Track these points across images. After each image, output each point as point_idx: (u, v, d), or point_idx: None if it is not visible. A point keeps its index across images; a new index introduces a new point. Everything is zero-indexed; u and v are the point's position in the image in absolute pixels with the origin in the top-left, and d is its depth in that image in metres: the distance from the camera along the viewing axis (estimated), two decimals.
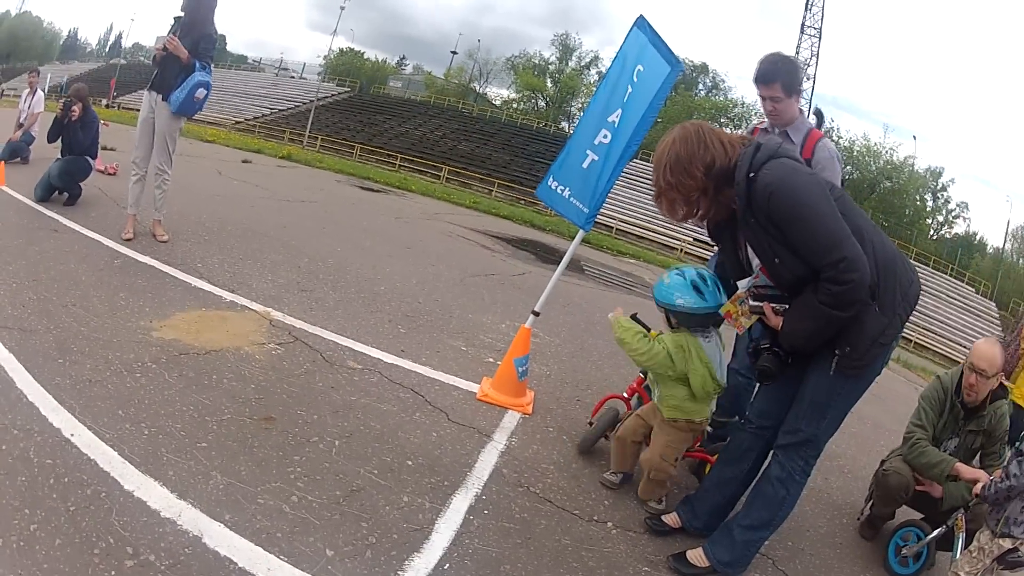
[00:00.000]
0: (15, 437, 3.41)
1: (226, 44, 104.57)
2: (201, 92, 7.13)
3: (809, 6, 67.63)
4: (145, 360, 4.55)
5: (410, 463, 4.07)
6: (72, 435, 3.52)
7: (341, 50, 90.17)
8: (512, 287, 9.42)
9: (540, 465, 4.47)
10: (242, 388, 4.43)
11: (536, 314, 5.38)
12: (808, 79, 66.62)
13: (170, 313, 5.50)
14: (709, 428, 4.48)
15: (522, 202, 37.40)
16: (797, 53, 67.18)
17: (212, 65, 7.39)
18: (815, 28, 67.57)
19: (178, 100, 7.07)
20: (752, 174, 3.07)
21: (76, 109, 9.22)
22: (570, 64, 76.85)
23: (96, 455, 3.39)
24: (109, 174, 11.98)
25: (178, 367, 4.54)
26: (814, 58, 67.73)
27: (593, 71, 75.10)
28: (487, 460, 4.36)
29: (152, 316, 5.36)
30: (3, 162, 11.11)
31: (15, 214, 8.17)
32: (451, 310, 7.31)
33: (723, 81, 76.21)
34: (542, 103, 76.11)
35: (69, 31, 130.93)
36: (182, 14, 7.20)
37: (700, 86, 75.82)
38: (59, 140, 9.40)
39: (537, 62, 77.51)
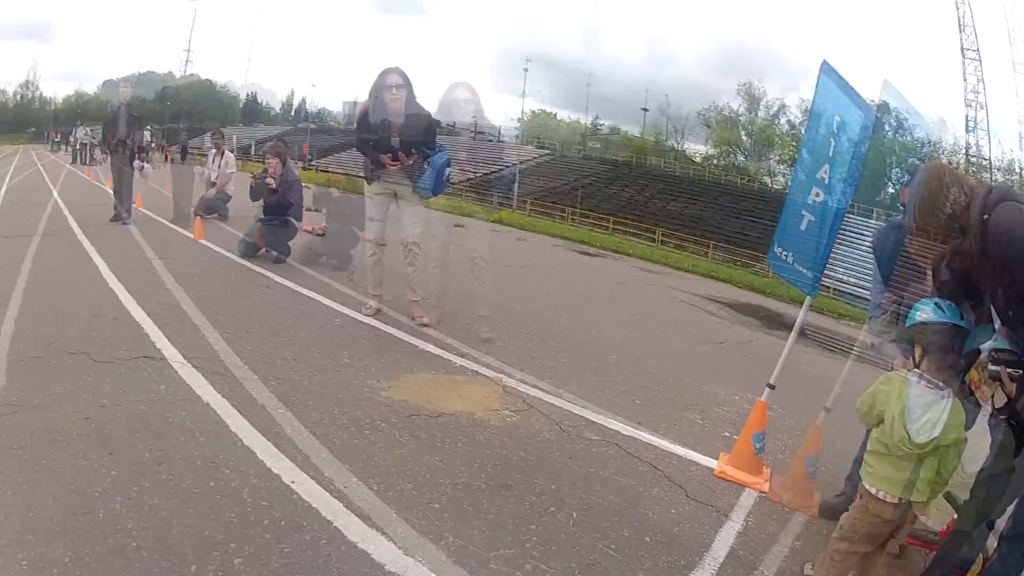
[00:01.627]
0: (226, 476, 3.50)
1: None
2: (448, 172, 6.99)
3: (962, 27, 61.42)
4: (374, 418, 4.53)
5: (648, 539, 3.80)
6: (293, 482, 3.54)
7: (533, 112, 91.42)
8: (741, 356, 9.07)
9: (775, 548, 4.10)
10: (477, 453, 4.32)
11: (772, 387, 5.09)
12: (981, 108, 61.36)
13: (398, 374, 5.48)
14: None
15: (739, 263, 36.41)
16: (964, 80, 61.87)
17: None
18: (973, 51, 61.55)
19: (429, 188, 6.91)
20: (986, 216, 2.80)
21: (273, 167, 9.49)
22: (759, 114, 75.19)
23: (319, 504, 3.38)
24: (318, 235, 12.35)
25: (409, 428, 4.49)
26: (981, 83, 61.25)
27: (783, 120, 73.26)
28: (724, 540, 4.04)
29: (379, 376, 5.35)
30: (200, 217, 11.74)
31: (223, 268, 8.62)
32: (684, 380, 7.01)
33: (906, 119, 72.37)
34: (741, 157, 74.68)
35: (247, 95, 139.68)
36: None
37: (886, 127, 72.38)
38: (261, 201, 9.68)
39: (728, 114, 76.20)
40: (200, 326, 6.06)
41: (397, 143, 6.66)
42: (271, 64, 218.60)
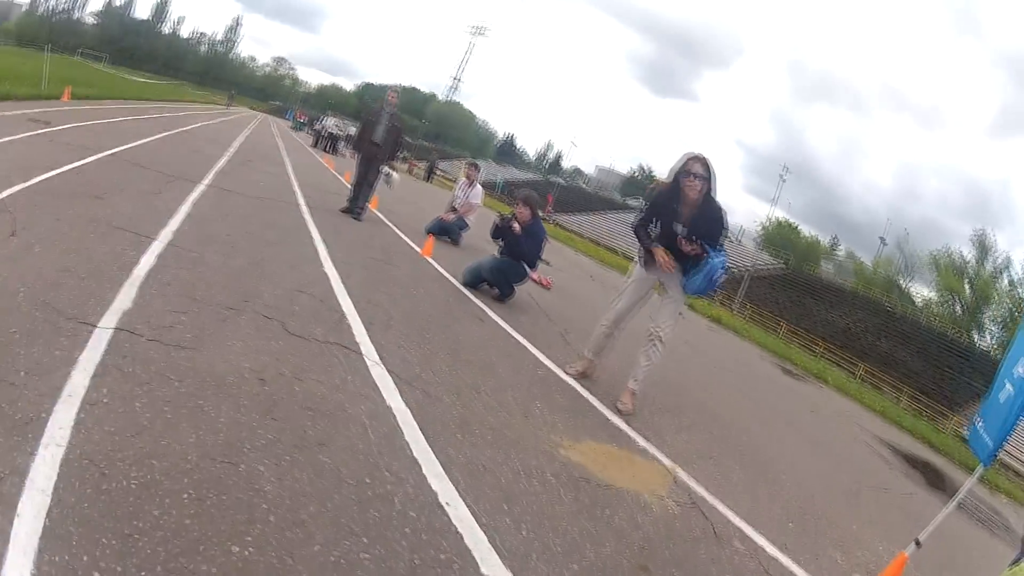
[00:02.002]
0: (384, 477, 3.53)
1: None
2: (720, 274, 6.46)
3: None
4: (546, 472, 4.47)
5: None
6: (447, 504, 3.52)
7: (779, 221, 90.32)
8: (897, 507, 8.63)
9: None
10: (630, 531, 4.19)
11: (918, 544, 5.05)
12: None
13: (582, 438, 5.40)
14: None
15: (925, 416, 34.57)
16: None
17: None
18: None
19: (695, 286, 6.47)
20: None
21: (522, 214, 9.46)
22: (986, 267, 71.52)
23: (464, 530, 3.35)
24: (543, 286, 12.39)
25: (576, 490, 4.41)
26: None
27: (1004, 278, 69.44)
28: None
29: (563, 434, 5.28)
30: (432, 235, 11.91)
31: (442, 290, 8.73)
32: (839, 518, 6.68)
33: None
34: (959, 308, 71.11)
35: (505, 135, 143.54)
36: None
37: None
38: (500, 240, 9.70)
39: (957, 262, 72.95)
40: (405, 335, 6.12)
41: (682, 230, 6.33)
42: (534, 111, 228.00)
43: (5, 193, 6.42)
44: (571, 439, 5.21)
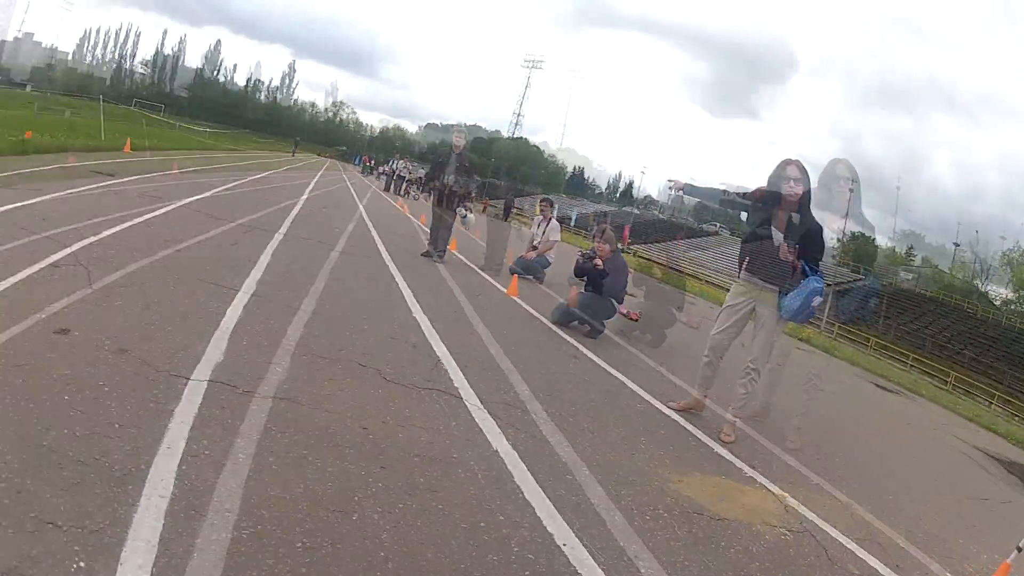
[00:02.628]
0: (499, 522, 3.48)
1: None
2: (817, 300, 6.31)
3: None
4: (658, 507, 4.38)
5: None
6: (564, 545, 3.46)
7: (853, 234, 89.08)
8: (997, 515, 8.26)
9: None
10: (746, 562, 4.09)
11: (1020, 550, 4.90)
12: None
13: (689, 471, 5.31)
14: None
15: (1017, 418, 33.52)
16: None
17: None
18: None
19: (792, 308, 6.27)
20: None
21: (601, 250, 9.38)
22: None
23: (584, 571, 3.28)
24: (632, 320, 12.17)
25: (689, 524, 4.31)
26: None
27: None
28: None
29: (671, 469, 5.20)
30: (516, 275, 11.79)
31: (533, 329, 8.65)
32: (946, 532, 6.43)
33: None
34: None
35: (575, 168, 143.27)
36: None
37: None
38: (584, 278, 9.58)
39: None
40: (503, 376, 6.07)
41: (777, 236, 6.18)
42: (602, 141, 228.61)
43: (77, 246, 6.53)
44: (679, 473, 5.12)
